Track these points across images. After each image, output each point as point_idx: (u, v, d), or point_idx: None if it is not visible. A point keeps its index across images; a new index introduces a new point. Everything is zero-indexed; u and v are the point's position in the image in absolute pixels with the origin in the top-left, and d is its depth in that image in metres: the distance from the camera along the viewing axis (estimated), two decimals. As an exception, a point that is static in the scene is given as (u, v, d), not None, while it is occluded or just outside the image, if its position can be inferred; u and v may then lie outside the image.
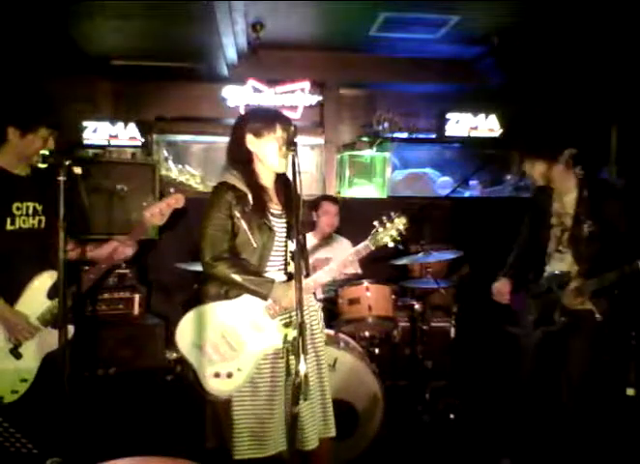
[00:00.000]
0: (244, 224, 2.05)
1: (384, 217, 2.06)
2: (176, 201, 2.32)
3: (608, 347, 2.58)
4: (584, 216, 2.52)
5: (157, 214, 2.29)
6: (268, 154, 2.11)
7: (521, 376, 2.76)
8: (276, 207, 2.16)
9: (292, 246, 2.14)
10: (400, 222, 2.06)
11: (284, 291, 2.02)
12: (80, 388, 2.28)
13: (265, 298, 2.04)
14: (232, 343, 2.05)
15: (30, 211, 2.26)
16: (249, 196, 2.07)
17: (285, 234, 2.15)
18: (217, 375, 2.02)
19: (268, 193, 2.16)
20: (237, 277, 2.02)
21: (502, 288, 2.76)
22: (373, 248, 2.09)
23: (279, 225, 2.13)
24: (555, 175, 2.58)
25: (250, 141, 2.11)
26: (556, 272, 2.62)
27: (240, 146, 2.13)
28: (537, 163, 2.60)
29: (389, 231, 2.06)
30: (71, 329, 2.22)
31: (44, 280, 2.24)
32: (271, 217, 2.11)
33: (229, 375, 2.02)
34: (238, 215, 2.05)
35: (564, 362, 2.55)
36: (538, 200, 2.76)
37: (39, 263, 2.24)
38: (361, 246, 2.10)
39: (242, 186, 2.09)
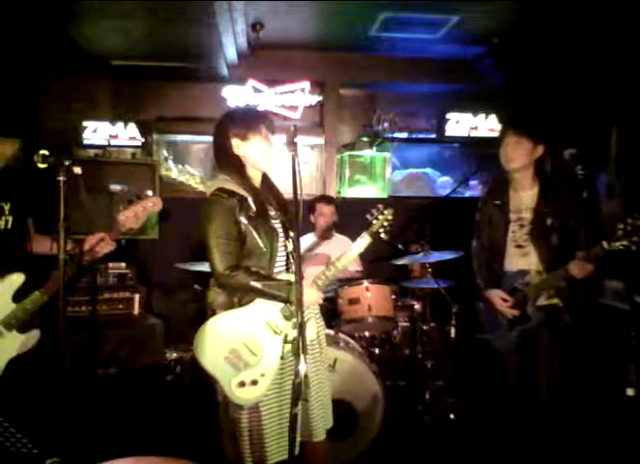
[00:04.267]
0: (251, 229, 2.02)
1: (374, 211, 2.22)
2: (153, 204, 2.24)
3: (582, 338, 2.59)
4: (545, 209, 2.55)
5: (131, 217, 2.21)
6: (256, 156, 2.10)
7: (507, 381, 2.74)
8: (270, 208, 2.15)
9: (290, 245, 2.15)
10: (389, 213, 2.21)
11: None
12: (79, 388, 2.28)
13: (286, 300, 2.01)
14: (253, 350, 2.03)
15: None
16: (250, 200, 2.05)
17: (284, 234, 2.14)
18: (242, 384, 1.99)
19: (263, 195, 2.16)
20: (257, 284, 1.98)
21: (500, 298, 2.64)
22: (371, 241, 2.18)
23: (278, 226, 2.13)
24: (533, 160, 2.58)
25: (237, 145, 2.09)
26: (511, 272, 2.64)
27: (227, 152, 2.09)
28: (524, 141, 2.57)
29: (380, 222, 2.19)
30: (36, 333, 2.16)
31: (10, 283, 2.13)
32: (271, 219, 2.11)
33: (254, 382, 2.00)
34: (244, 220, 2.01)
35: (542, 358, 2.56)
36: (495, 196, 2.74)
37: (4, 265, 2.15)
38: (360, 242, 2.19)
39: (240, 190, 2.05)
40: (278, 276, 2.09)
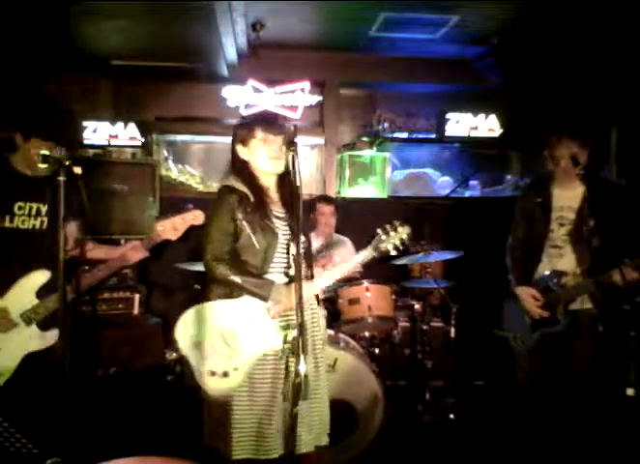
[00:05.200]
0: (246, 225, 2.04)
1: (387, 226, 2.05)
2: (195, 218, 2.23)
3: (609, 346, 2.52)
4: (589, 210, 2.49)
5: (169, 228, 2.22)
6: (257, 159, 2.13)
7: (518, 380, 2.71)
8: (278, 210, 2.16)
9: (294, 248, 2.13)
10: (404, 232, 2.05)
11: (284, 293, 2.02)
12: (80, 388, 2.28)
13: (265, 299, 2.03)
14: (230, 342, 2.04)
15: (33, 212, 2.22)
16: (251, 197, 2.08)
17: (289, 237, 2.12)
18: (212, 373, 2.02)
19: (270, 195, 2.16)
20: (236, 279, 2.02)
21: (531, 296, 2.58)
22: (376, 256, 2.07)
23: (283, 228, 2.12)
24: (581, 159, 2.49)
25: (241, 151, 2.15)
26: (546, 272, 2.58)
27: (235, 158, 2.17)
28: (574, 143, 2.52)
29: (392, 239, 2.04)
30: (56, 332, 2.16)
31: (36, 279, 2.18)
32: (274, 220, 2.10)
33: (225, 374, 2.01)
34: (240, 216, 2.05)
35: (566, 363, 2.50)
36: (536, 194, 2.70)
37: (32, 264, 2.19)
38: (363, 254, 2.09)
39: (243, 187, 2.10)
40: (273, 278, 2.08)
